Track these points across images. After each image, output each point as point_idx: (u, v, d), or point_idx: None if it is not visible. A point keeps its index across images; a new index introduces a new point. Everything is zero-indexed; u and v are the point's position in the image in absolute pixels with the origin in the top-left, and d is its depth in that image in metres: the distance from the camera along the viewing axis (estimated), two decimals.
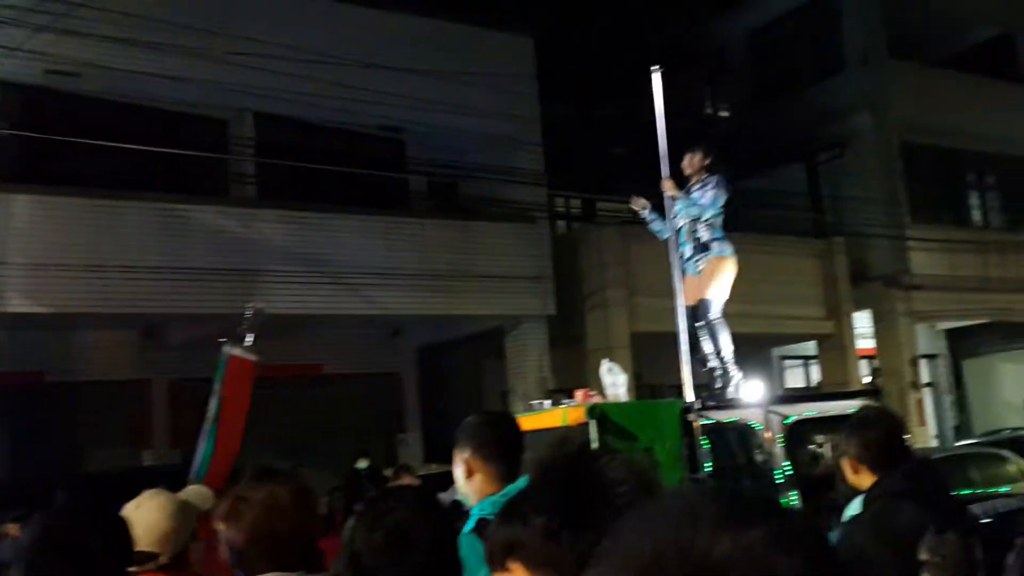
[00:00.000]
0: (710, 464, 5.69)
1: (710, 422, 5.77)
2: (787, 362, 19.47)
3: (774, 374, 19.15)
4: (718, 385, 6.63)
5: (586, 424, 5.42)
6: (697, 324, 6.71)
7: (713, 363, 6.68)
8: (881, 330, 17.18)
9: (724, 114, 20.44)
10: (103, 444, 13.50)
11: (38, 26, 9.88)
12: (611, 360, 6.89)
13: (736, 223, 17.77)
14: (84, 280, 10.53)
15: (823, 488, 5.85)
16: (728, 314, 15.77)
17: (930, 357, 19.75)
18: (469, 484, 2.82)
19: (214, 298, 11.07)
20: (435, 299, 12.70)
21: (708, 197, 6.58)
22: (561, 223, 16.86)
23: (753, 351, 18.43)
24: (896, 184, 17.31)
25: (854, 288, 16.67)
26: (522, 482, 2.75)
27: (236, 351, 7.14)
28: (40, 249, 10.40)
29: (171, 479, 9.55)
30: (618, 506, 1.15)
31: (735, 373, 6.63)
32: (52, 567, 2.02)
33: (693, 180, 6.74)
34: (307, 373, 14.27)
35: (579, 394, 6.00)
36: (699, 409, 5.77)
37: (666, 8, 17.97)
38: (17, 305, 10.42)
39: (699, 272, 6.69)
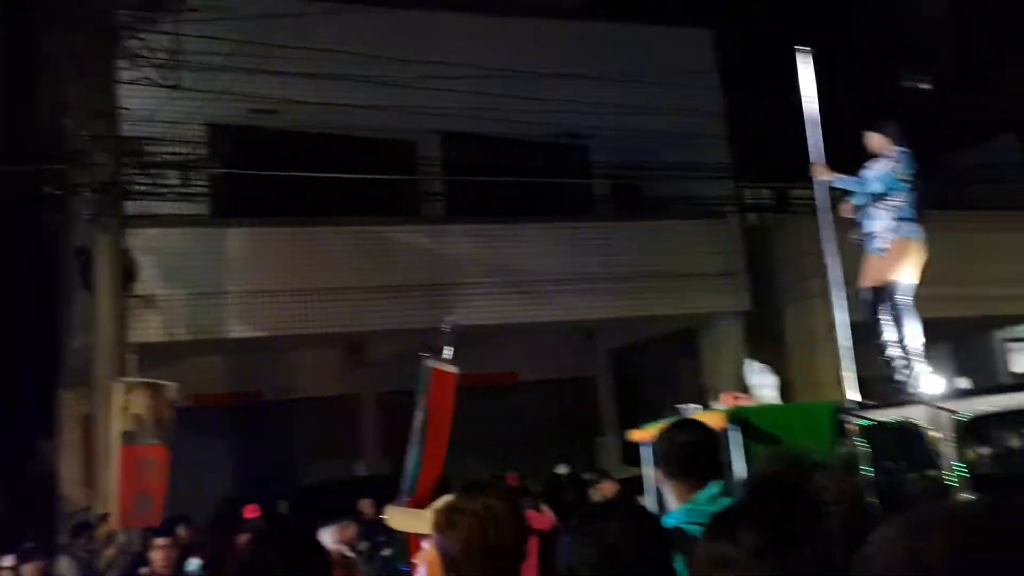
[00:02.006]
0: (869, 469, 5.10)
1: (868, 423, 5.19)
2: (1012, 345, 17.98)
3: (997, 359, 17.76)
4: (898, 377, 5.99)
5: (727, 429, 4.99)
6: (880, 309, 6.11)
7: (894, 352, 6.05)
8: None
9: (925, 87, 19.17)
10: (319, 457, 14.30)
11: (240, 69, 10.63)
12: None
13: (947, 201, 16.63)
14: (292, 304, 11.21)
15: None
16: (943, 297, 14.64)
17: None
18: (666, 495, 2.83)
19: (412, 313, 11.48)
20: (625, 302, 12.62)
21: (873, 172, 6.14)
22: (753, 215, 16.34)
23: (973, 336, 17.21)
24: None
25: None
26: (712, 489, 2.73)
27: (437, 364, 7.31)
28: (253, 278, 11.16)
29: (384, 488, 9.97)
30: (828, 527, 1.08)
31: (921, 365, 5.98)
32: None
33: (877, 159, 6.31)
34: (503, 382, 14.54)
35: (726, 397, 5.62)
36: (854, 410, 5.23)
37: None
38: (236, 331, 11.22)
39: (882, 252, 6.14)
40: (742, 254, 13.29)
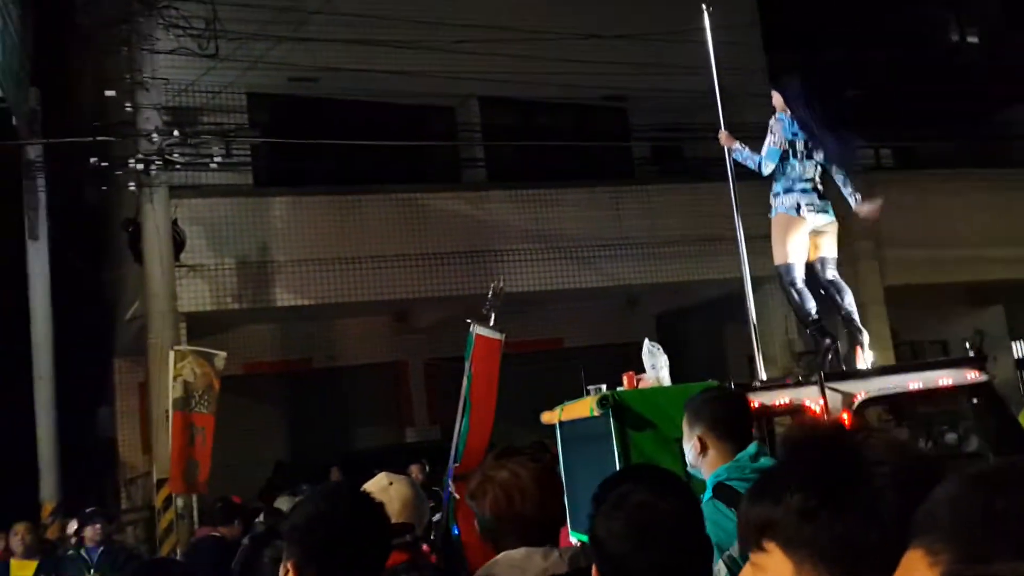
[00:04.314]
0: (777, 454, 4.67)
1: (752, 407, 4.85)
2: None
3: None
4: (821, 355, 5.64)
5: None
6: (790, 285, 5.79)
7: (814, 328, 5.73)
8: None
9: (973, 40, 18.65)
10: (368, 423, 14.50)
11: (278, 37, 10.65)
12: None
13: (993, 159, 16.13)
14: (339, 272, 11.31)
15: None
16: (991, 260, 14.27)
17: None
18: (702, 459, 2.90)
19: (456, 280, 11.54)
20: (669, 266, 12.53)
21: (765, 147, 5.68)
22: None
23: None
24: None
25: None
26: (752, 448, 2.80)
27: (482, 330, 7.33)
28: (299, 246, 11.28)
29: (433, 453, 10.06)
30: (878, 487, 1.06)
31: (826, 343, 5.63)
32: (322, 544, 2.14)
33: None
34: (548, 348, 14.56)
35: (626, 378, 5.24)
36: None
37: None
38: (283, 299, 11.36)
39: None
40: None
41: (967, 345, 5.34)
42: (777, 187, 5.71)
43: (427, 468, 9.82)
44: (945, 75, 14.66)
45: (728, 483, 2.68)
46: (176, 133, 10.43)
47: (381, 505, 2.30)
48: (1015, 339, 17.43)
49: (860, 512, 1.04)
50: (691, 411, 2.99)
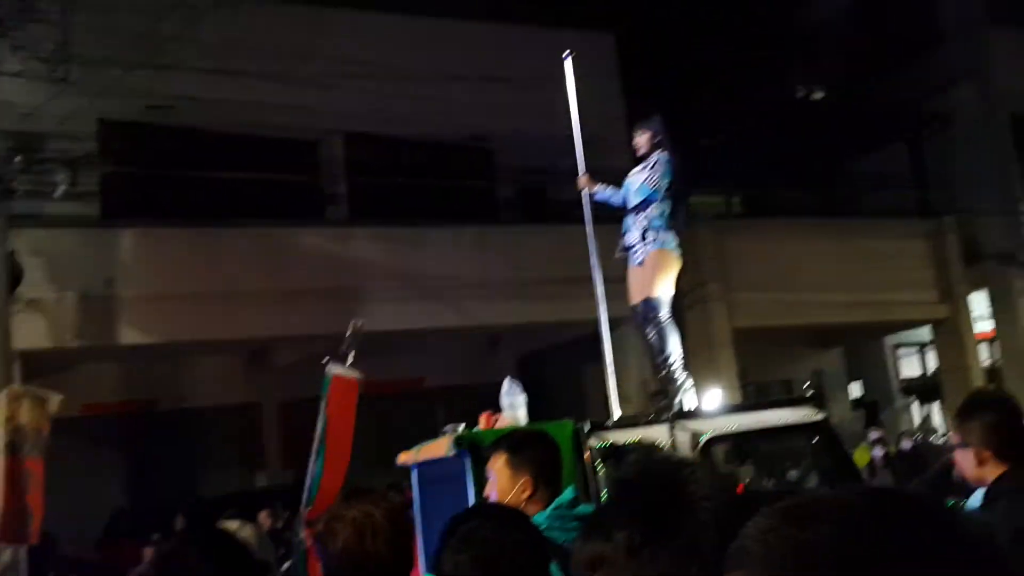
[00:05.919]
0: (606, 492, 4.62)
1: (604, 445, 4.84)
2: (901, 350, 18.77)
3: (888, 364, 18.49)
4: (666, 394, 5.79)
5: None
6: (645, 324, 5.92)
7: (663, 368, 5.89)
8: (999, 311, 16.38)
9: (817, 96, 19.85)
10: (218, 467, 13.94)
11: (134, 63, 10.28)
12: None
13: (839, 208, 17.11)
14: (189, 309, 10.87)
15: (941, 484, 5.25)
16: (835, 304, 15.07)
17: None
18: (528, 504, 2.78)
19: (314, 319, 11.28)
20: (531, 307, 12.65)
21: (632, 182, 5.88)
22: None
23: (863, 341, 17.89)
24: (1007, 157, 16.49)
25: (968, 268, 15.96)
26: (569, 494, 2.76)
27: (339, 370, 7.20)
28: (146, 282, 10.79)
29: (285, 499, 9.72)
30: (701, 523, 1.06)
31: (685, 381, 5.79)
32: None
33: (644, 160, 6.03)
34: (409, 388, 14.44)
35: (483, 418, 5.25)
36: (591, 431, 4.88)
37: None
38: (130, 337, 10.83)
39: (641, 264, 5.91)
40: None
41: (805, 385, 5.55)
42: (658, 222, 5.82)
43: (278, 514, 9.50)
44: (795, 127, 15.49)
45: (549, 534, 2.54)
46: (18, 159, 9.91)
47: (245, 547, 2.19)
48: (853, 379, 18.45)
49: (682, 547, 1.05)
50: (514, 453, 2.87)
